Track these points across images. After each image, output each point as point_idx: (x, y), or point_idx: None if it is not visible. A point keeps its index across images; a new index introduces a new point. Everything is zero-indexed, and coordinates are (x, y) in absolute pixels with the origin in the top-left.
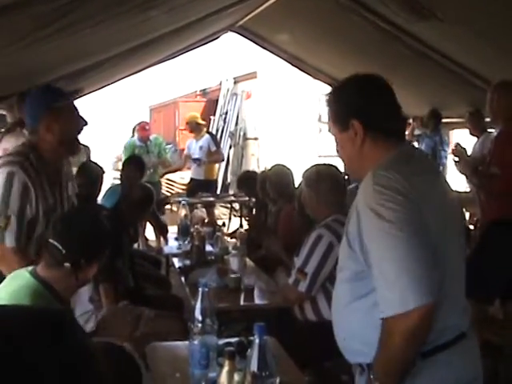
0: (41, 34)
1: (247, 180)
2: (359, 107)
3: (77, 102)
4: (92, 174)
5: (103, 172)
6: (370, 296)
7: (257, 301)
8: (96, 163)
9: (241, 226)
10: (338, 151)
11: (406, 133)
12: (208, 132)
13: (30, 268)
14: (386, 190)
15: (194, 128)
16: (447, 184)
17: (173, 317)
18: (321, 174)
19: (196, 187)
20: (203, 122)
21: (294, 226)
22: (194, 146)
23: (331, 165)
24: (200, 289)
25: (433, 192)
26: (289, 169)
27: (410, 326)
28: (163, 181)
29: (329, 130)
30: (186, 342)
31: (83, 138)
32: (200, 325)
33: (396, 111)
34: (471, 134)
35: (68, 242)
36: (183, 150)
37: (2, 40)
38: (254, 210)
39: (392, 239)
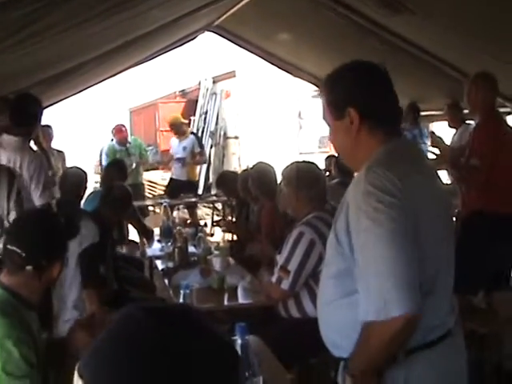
0: (13, 39)
1: (225, 180)
2: (356, 95)
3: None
4: (75, 178)
5: (86, 176)
6: (356, 294)
7: (241, 300)
8: (79, 168)
9: (223, 217)
10: (331, 139)
11: None
12: (192, 132)
13: None
14: (378, 192)
15: (179, 129)
16: (440, 181)
17: None
18: (300, 172)
19: (177, 188)
20: (186, 122)
21: (276, 223)
22: (177, 145)
23: (310, 162)
24: (182, 291)
25: (427, 192)
26: (271, 166)
27: (391, 333)
28: (145, 182)
29: (323, 118)
30: None
31: (60, 142)
32: None
33: (393, 101)
34: (450, 126)
35: (26, 244)
36: (164, 151)
37: None
38: (235, 210)
39: (379, 243)
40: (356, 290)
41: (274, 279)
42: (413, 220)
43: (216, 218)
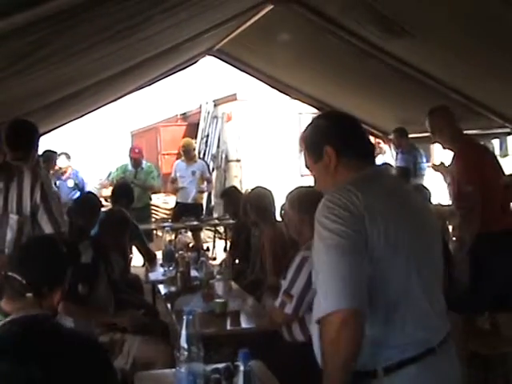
0: (16, 67)
1: (231, 195)
2: (330, 134)
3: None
4: (89, 205)
5: (101, 205)
6: None
7: (243, 325)
8: (95, 195)
9: (225, 249)
10: (316, 185)
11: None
12: (200, 158)
13: None
14: (332, 205)
15: (190, 153)
16: (422, 203)
17: (158, 342)
18: (304, 196)
19: (183, 211)
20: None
21: (279, 249)
22: (185, 169)
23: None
24: (185, 317)
25: (394, 211)
26: (269, 191)
27: (331, 330)
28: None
29: (306, 167)
30: (173, 370)
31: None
32: (186, 353)
33: (364, 137)
34: (444, 147)
35: (27, 271)
36: (166, 174)
37: None
38: (235, 232)
39: (327, 246)
40: None
41: (277, 303)
42: (366, 235)
43: (218, 241)
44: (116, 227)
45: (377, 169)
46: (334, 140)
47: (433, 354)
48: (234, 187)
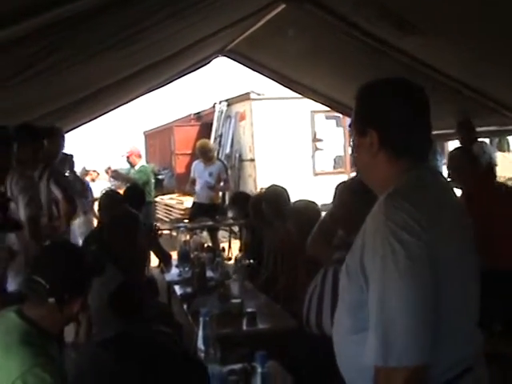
0: (33, 70)
1: (237, 200)
2: (380, 120)
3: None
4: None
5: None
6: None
7: (260, 325)
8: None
9: (240, 249)
10: (353, 154)
11: None
12: (219, 159)
13: (15, 308)
14: (397, 228)
15: (207, 154)
16: (464, 212)
17: None
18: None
19: (200, 211)
20: (214, 148)
21: (289, 247)
22: (203, 170)
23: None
24: (201, 318)
25: (449, 224)
26: (284, 189)
27: (399, 381)
28: (161, 206)
29: (349, 126)
30: None
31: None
32: (203, 354)
33: (423, 130)
34: (461, 144)
35: (51, 276)
36: (180, 174)
37: None
38: (247, 233)
39: (394, 284)
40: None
41: None
42: (432, 258)
43: (233, 241)
44: (127, 229)
45: (428, 173)
46: (381, 126)
47: (471, 371)
48: (240, 192)
